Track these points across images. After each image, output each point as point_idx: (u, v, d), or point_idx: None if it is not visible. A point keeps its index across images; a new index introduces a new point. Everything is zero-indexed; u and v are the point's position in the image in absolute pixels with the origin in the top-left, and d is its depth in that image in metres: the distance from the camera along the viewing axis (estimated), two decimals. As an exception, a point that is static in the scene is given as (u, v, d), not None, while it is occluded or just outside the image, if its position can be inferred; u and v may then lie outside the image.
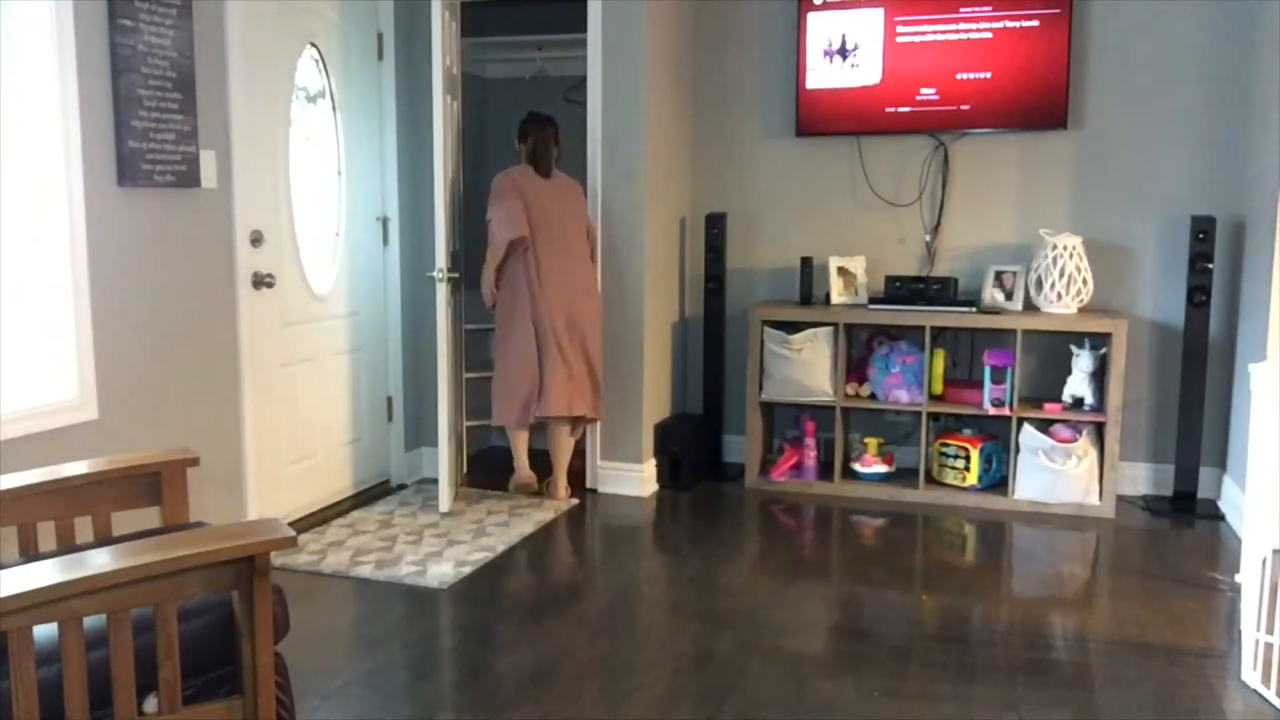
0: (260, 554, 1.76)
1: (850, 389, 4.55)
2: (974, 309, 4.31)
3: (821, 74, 4.59)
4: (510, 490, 4.46)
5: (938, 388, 4.41)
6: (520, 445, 4.38)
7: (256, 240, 3.72)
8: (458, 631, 3.10)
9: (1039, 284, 4.30)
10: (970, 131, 4.50)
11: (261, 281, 3.75)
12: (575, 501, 4.37)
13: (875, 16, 4.48)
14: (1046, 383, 4.47)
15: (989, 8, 4.35)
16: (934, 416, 4.53)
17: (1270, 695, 2.63)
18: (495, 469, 4.75)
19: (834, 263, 4.57)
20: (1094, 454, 4.19)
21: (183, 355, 3.40)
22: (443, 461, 4.18)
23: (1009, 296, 4.39)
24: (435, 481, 4.64)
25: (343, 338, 4.32)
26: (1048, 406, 4.25)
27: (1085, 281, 4.25)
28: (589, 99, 4.38)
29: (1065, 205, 4.48)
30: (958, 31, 4.40)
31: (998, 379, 4.27)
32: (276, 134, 3.84)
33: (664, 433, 4.60)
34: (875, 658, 2.89)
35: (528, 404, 4.22)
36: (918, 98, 4.49)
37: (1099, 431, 4.24)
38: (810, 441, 4.56)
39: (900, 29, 4.47)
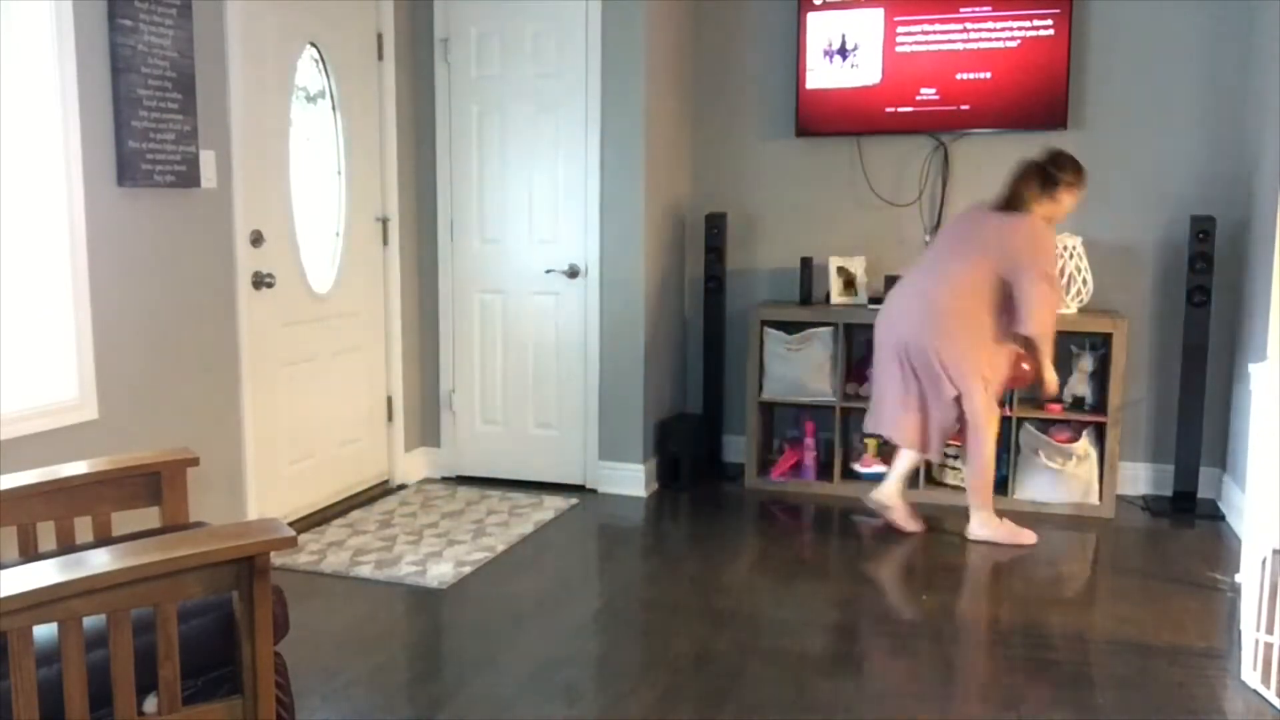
0: (260, 554, 1.76)
1: (850, 389, 4.55)
2: (974, 309, 4.30)
3: (821, 74, 4.59)
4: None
5: (938, 388, 4.40)
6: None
7: (256, 240, 3.73)
8: (458, 631, 3.10)
9: (1039, 284, 4.29)
10: (970, 131, 4.50)
11: (261, 281, 3.75)
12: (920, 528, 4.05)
13: (875, 16, 4.48)
14: (1046, 383, 4.47)
15: (989, 7, 4.35)
16: (934, 416, 4.52)
17: (1270, 695, 2.63)
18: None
19: (834, 263, 4.57)
20: (1094, 454, 4.19)
21: (183, 355, 3.40)
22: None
23: (1009, 296, 4.38)
24: (435, 481, 4.65)
25: (343, 338, 4.32)
26: (1048, 406, 4.25)
27: (1085, 281, 4.25)
28: (589, 99, 4.37)
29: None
30: (957, 31, 4.40)
31: (998, 379, 4.26)
32: (276, 134, 3.84)
33: (664, 432, 4.60)
34: (875, 658, 2.89)
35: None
36: (917, 98, 4.49)
37: (1099, 431, 4.24)
38: (810, 441, 4.56)
39: (900, 29, 4.47)
